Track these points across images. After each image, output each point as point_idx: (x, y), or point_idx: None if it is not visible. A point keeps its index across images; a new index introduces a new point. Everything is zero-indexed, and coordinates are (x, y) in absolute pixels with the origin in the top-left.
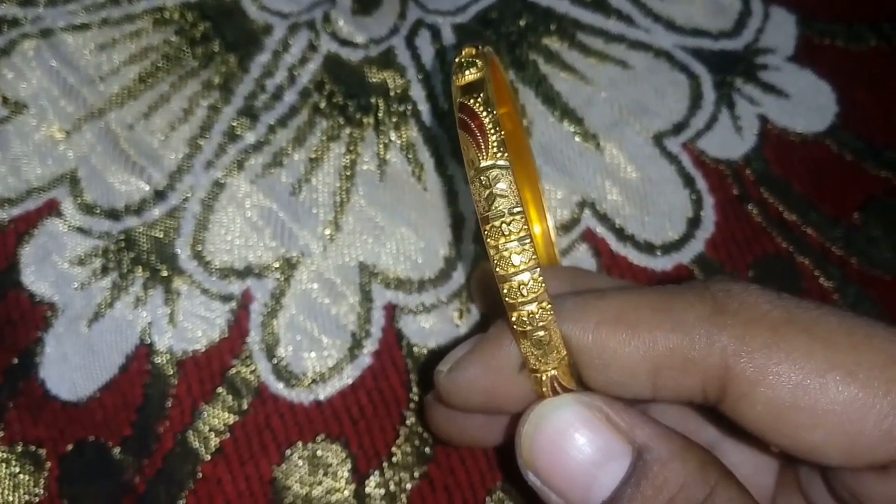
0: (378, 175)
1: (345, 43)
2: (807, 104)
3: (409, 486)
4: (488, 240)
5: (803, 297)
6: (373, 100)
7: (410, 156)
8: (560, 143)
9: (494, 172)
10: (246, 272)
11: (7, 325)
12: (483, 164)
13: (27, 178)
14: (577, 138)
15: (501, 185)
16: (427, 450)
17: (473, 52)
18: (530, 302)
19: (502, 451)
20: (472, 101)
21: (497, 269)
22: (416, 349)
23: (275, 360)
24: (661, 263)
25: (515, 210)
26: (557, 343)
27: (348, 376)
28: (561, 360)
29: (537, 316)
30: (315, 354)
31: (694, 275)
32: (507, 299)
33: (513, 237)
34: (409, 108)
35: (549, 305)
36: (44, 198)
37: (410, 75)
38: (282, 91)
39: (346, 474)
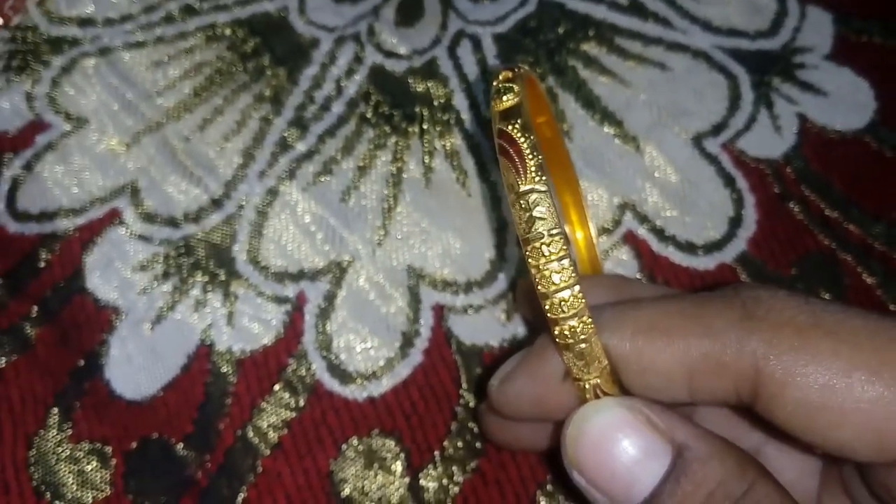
0: (423, 182)
1: (389, 54)
2: (845, 102)
3: (461, 479)
4: (530, 260)
5: (847, 294)
6: (417, 109)
7: (455, 163)
8: (600, 145)
9: (534, 196)
10: (299, 275)
11: (73, 329)
12: (522, 188)
13: (90, 188)
14: (616, 140)
15: (541, 209)
16: (478, 444)
17: (510, 75)
18: (571, 317)
19: (551, 453)
20: (510, 126)
21: (539, 288)
22: (464, 347)
23: (329, 359)
24: (704, 263)
25: (554, 231)
26: (598, 353)
27: (400, 373)
28: (602, 369)
29: (578, 330)
30: (367, 353)
31: (737, 274)
32: (549, 315)
33: (553, 257)
34: (453, 116)
35: (590, 319)
36: (106, 207)
37: (453, 84)
38: (330, 102)
39: (399, 468)
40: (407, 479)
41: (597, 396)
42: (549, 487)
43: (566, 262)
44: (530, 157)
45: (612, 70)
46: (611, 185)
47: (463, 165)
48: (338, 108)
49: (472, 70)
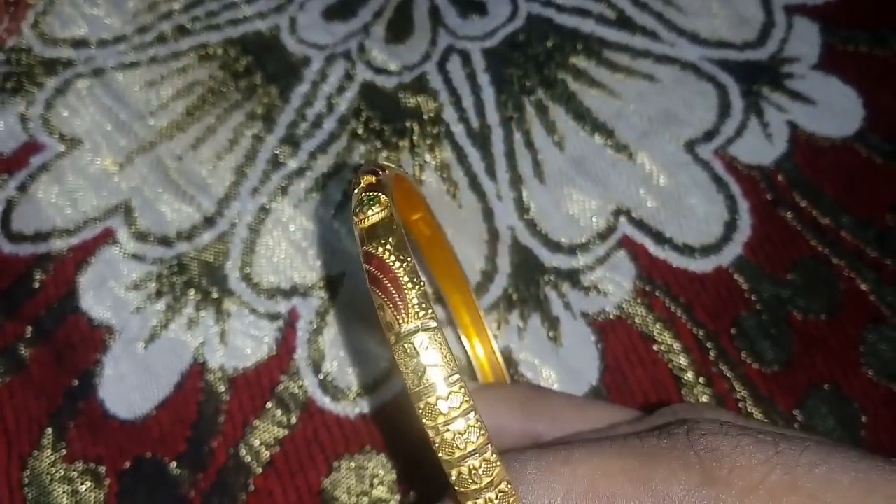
0: None
1: (379, 71)
2: (834, 110)
3: None
4: (424, 420)
5: (842, 299)
6: (408, 123)
7: (445, 175)
8: (593, 155)
9: (420, 337)
10: (292, 292)
11: (67, 349)
12: (404, 328)
13: (83, 208)
14: (609, 150)
15: (431, 353)
16: None
17: (372, 180)
18: (486, 488)
19: None
20: (379, 248)
21: (440, 454)
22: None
23: (321, 376)
24: (701, 266)
25: (452, 380)
26: None
27: (392, 389)
28: None
29: (496, 502)
30: (359, 369)
31: (735, 279)
32: (456, 488)
33: (454, 414)
34: (443, 129)
35: (510, 487)
36: (100, 227)
37: (443, 98)
38: (321, 119)
39: (391, 484)
40: (398, 497)
41: None
42: None
43: (472, 417)
44: (410, 285)
45: (601, 82)
46: (605, 192)
47: (453, 177)
48: (329, 124)
49: (461, 84)
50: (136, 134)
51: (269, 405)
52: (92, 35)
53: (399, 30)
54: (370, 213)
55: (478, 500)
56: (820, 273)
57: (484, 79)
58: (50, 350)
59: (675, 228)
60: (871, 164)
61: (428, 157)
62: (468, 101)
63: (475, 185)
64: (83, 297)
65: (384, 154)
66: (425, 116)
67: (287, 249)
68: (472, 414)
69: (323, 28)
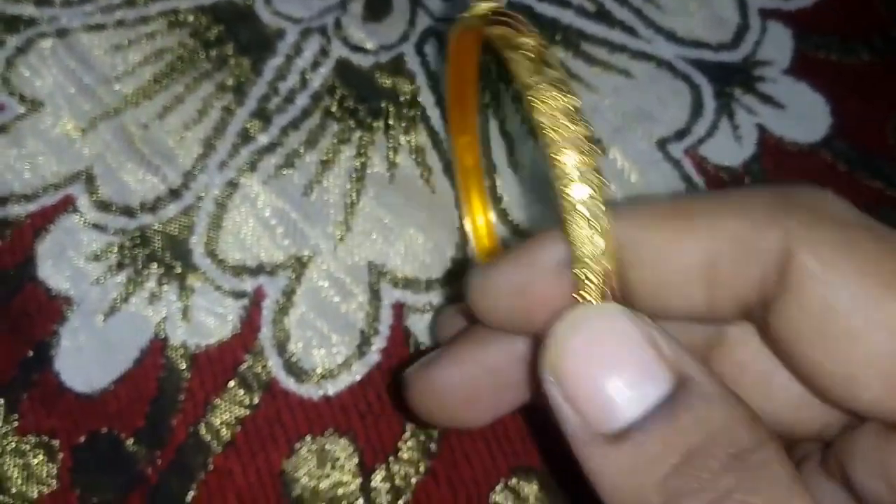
0: (388, 178)
1: (355, 48)
2: (802, 115)
3: (414, 480)
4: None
5: None
6: (383, 104)
7: (419, 159)
8: None
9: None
10: (258, 270)
11: (23, 318)
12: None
13: (43, 174)
14: None
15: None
16: (432, 446)
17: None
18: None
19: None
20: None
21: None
22: (423, 347)
23: (285, 356)
24: None
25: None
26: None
27: (357, 372)
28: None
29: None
30: (324, 351)
31: None
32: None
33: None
34: (419, 113)
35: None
36: (60, 194)
37: (420, 81)
38: (294, 94)
39: (353, 468)
40: (359, 480)
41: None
42: (502, 490)
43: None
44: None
45: (577, 75)
46: None
47: (428, 162)
48: (302, 100)
49: (439, 67)
50: (100, 99)
51: (231, 384)
52: None
53: (377, 8)
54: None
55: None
56: None
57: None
58: (4, 319)
59: None
60: (835, 171)
61: (403, 139)
62: (445, 86)
63: (449, 170)
64: (41, 266)
65: (357, 134)
66: (401, 98)
67: (254, 226)
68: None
69: (299, 1)
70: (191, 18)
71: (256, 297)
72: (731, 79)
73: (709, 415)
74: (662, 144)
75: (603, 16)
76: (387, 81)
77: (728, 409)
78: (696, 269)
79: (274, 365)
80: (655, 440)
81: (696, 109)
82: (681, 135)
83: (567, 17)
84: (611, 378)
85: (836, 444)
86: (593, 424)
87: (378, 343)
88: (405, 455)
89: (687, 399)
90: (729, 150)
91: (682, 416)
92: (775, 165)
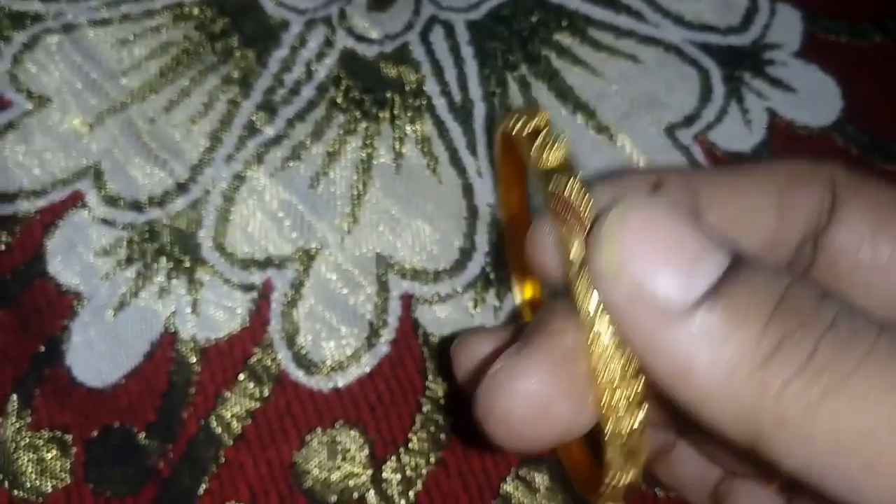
0: (394, 168)
1: (360, 38)
2: (813, 99)
3: (424, 471)
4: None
5: None
6: (388, 94)
7: (426, 149)
8: (574, 135)
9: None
10: (266, 263)
11: (34, 314)
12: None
13: (51, 170)
14: (590, 131)
15: None
16: (442, 436)
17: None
18: None
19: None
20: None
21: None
22: (431, 338)
23: (295, 349)
24: None
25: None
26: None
27: (366, 364)
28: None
29: None
30: (333, 343)
31: None
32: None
33: None
34: (424, 102)
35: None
36: (68, 189)
37: (425, 70)
38: (299, 86)
39: (363, 459)
40: (370, 471)
41: None
42: (513, 480)
43: None
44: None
45: (584, 61)
46: (584, 174)
47: (434, 151)
48: (307, 92)
49: (444, 56)
50: (107, 94)
51: (241, 377)
52: None
53: None
54: (555, 148)
55: None
56: None
57: (467, 52)
58: (15, 315)
59: None
60: (847, 155)
61: (409, 129)
62: (451, 74)
63: (455, 160)
64: (51, 262)
65: (363, 125)
66: (406, 88)
67: (262, 219)
68: None
69: None
70: (196, 11)
71: (265, 290)
72: (741, 62)
73: (774, 278)
74: (671, 130)
75: (609, 1)
76: (392, 71)
77: (790, 277)
78: (772, 196)
79: (283, 357)
80: (745, 293)
81: (705, 94)
82: (690, 120)
83: (573, 2)
84: (676, 249)
85: None
86: (667, 300)
87: (387, 334)
88: (415, 446)
89: (751, 265)
90: (738, 135)
91: (759, 272)
92: (786, 150)
